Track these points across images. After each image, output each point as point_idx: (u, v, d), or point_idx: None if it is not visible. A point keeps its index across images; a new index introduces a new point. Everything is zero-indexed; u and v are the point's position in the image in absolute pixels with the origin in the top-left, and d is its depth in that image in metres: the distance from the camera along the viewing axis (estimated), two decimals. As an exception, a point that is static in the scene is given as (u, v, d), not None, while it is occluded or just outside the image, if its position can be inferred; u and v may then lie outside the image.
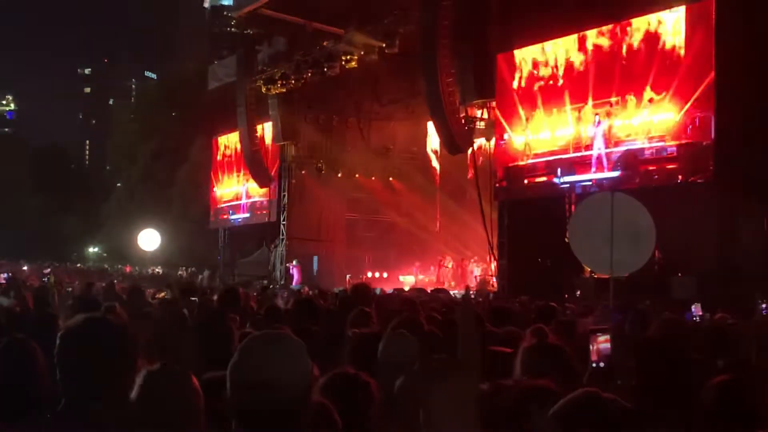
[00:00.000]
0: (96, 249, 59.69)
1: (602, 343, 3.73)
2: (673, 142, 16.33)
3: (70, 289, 15.10)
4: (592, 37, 18.37)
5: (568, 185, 18.67)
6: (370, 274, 28.18)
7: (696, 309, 7.79)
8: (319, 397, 2.66)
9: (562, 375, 2.73)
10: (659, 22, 17.05)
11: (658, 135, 16.67)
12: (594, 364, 3.66)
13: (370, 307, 6.10)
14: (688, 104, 15.99)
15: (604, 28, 18.08)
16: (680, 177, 16.23)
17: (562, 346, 3.19)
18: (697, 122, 15.85)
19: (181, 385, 2.55)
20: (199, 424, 2.51)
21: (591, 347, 3.70)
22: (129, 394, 2.39)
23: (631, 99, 17.22)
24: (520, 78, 19.89)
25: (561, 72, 19.00)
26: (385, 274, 28.26)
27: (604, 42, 18.13)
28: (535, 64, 19.65)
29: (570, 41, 18.88)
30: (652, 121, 16.80)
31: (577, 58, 18.62)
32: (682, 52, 16.39)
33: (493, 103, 20.72)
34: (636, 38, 17.42)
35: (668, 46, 16.70)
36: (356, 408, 2.87)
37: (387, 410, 2.89)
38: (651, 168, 16.85)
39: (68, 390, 2.36)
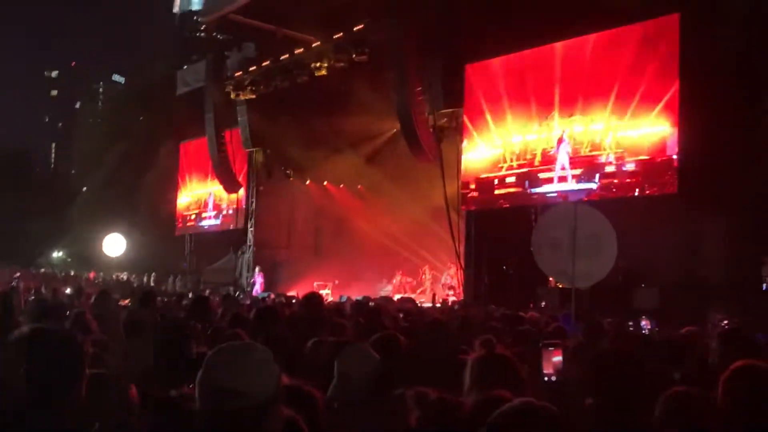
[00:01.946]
0: (61, 254, 58.98)
1: (555, 356, 3.76)
2: (631, 158, 16.67)
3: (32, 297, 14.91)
4: (559, 49, 18.59)
5: (536, 196, 18.85)
6: (336, 282, 28.13)
7: (645, 322, 7.84)
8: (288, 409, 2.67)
9: (512, 386, 2.75)
10: (623, 36, 17.31)
11: (620, 150, 17.01)
12: (546, 378, 3.68)
13: (321, 317, 6.11)
14: (648, 120, 16.37)
15: (571, 42, 18.32)
16: (637, 191, 16.74)
17: (510, 357, 3.22)
18: (656, 139, 16.35)
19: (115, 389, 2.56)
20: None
21: (543, 360, 3.73)
22: (75, 405, 2.36)
23: (595, 113, 17.55)
24: (489, 89, 20.05)
25: (528, 84, 19.19)
26: (352, 282, 28.21)
27: (571, 55, 18.35)
28: (504, 75, 19.83)
29: (537, 53, 19.08)
30: (614, 136, 17.12)
31: (544, 71, 18.82)
32: (644, 67, 16.70)
33: (462, 112, 20.83)
34: (600, 52, 17.68)
35: (630, 61, 17.01)
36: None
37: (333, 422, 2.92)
38: (612, 181, 17.15)
39: (6, 400, 2.33)
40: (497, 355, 3.23)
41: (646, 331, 7.57)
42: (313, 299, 8.12)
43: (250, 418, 2.24)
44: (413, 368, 4.49)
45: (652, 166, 16.42)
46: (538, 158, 18.80)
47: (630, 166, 16.84)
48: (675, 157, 16.07)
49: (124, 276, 39.51)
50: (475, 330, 6.62)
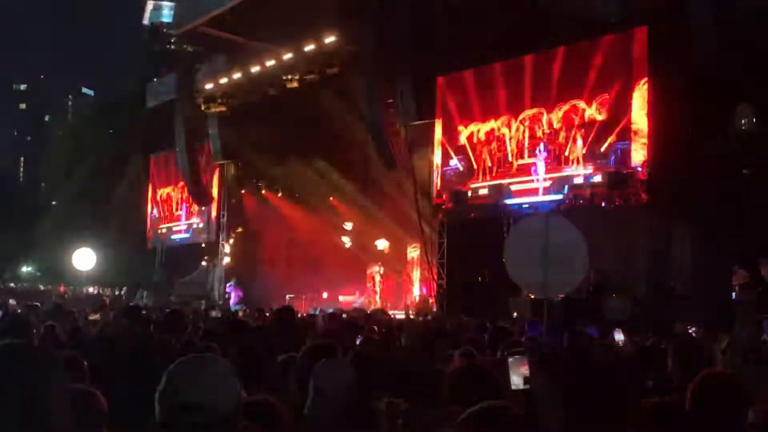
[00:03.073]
0: (29, 268, 58.31)
1: (522, 366, 3.77)
2: (598, 171, 17.06)
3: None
4: (530, 62, 18.77)
5: (510, 207, 18.98)
6: (309, 295, 28.06)
7: (618, 333, 7.86)
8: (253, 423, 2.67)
9: (489, 398, 2.76)
10: (592, 49, 17.53)
11: (587, 162, 17.33)
12: (514, 387, 3.70)
13: (293, 330, 6.11)
14: (615, 133, 16.63)
15: (541, 54, 18.51)
16: (604, 202, 17.14)
17: (487, 369, 3.23)
18: (619, 153, 16.80)
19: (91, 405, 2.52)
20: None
21: (510, 370, 3.74)
22: (46, 420, 2.31)
23: (564, 125, 17.84)
24: (461, 100, 20.18)
25: (500, 96, 19.35)
26: (324, 294, 28.15)
27: (541, 67, 18.54)
28: (475, 87, 19.97)
29: (508, 66, 19.25)
30: (582, 148, 17.39)
31: (515, 83, 19.00)
32: (612, 80, 16.99)
33: (434, 124, 20.91)
34: (569, 65, 17.90)
35: (599, 74, 17.28)
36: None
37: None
38: (580, 192, 17.43)
39: None
40: (475, 366, 3.23)
41: (621, 343, 7.60)
42: (285, 312, 8.12)
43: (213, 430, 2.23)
44: (389, 381, 4.50)
45: (617, 178, 16.71)
46: (513, 169, 18.95)
47: (597, 178, 17.12)
48: (639, 169, 16.37)
49: (94, 290, 39.16)
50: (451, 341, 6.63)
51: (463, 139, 19.99)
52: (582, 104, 17.52)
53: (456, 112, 20.25)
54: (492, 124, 19.39)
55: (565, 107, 17.89)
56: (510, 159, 19.01)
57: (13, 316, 8.89)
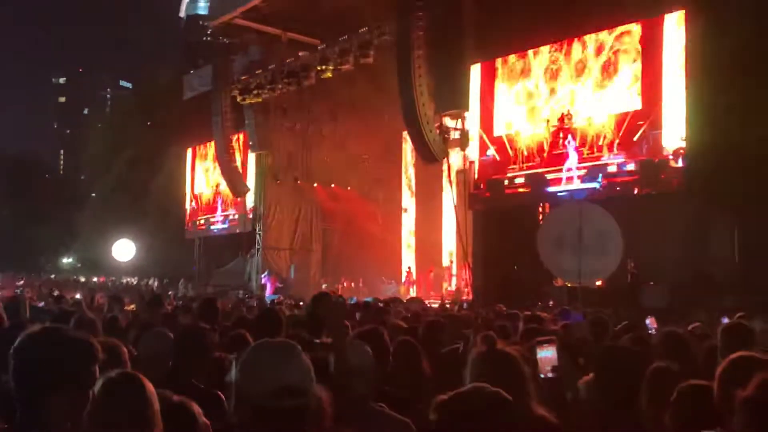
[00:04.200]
0: (70, 259, 59.10)
1: (548, 351, 3.75)
2: (631, 160, 16.99)
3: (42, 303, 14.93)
4: (565, 48, 18.65)
5: (546, 195, 18.91)
6: (345, 284, 28.18)
7: (651, 321, 7.81)
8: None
9: (513, 383, 2.76)
10: (629, 34, 17.37)
11: (621, 151, 17.26)
12: (542, 375, 3.68)
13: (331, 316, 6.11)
14: (647, 122, 16.52)
15: (577, 39, 18.38)
16: (636, 189, 17.02)
17: (511, 354, 3.22)
18: (651, 141, 16.73)
19: (137, 389, 2.56)
20: (154, 427, 2.52)
21: (538, 358, 3.72)
22: (86, 405, 2.37)
23: (599, 115, 17.75)
24: (495, 89, 20.08)
25: (535, 83, 19.23)
26: (360, 283, 28.25)
27: (577, 53, 18.40)
28: (510, 75, 19.86)
29: (543, 52, 19.12)
30: (617, 137, 17.30)
31: (550, 69, 18.87)
32: (648, 66, 16.86)
33: (467, 113, 20.85)
34: (606, 50, 17.75)
35: (634, 60, 17.15)
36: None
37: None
38: (614, 180, 17.38)
39: (23, 401, 2.33)
40: (498, 350, 3.22)
41: (653, 330, 7.53)
42: (322, 299, 8.13)
43: (309, 415, 2.32)
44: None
45: (650, 167, 16.63)
46: (547, 158, 18.85)
47: (630, 166, 17.02)
48: (671, 157, 16.23)
49: (133, 280, 39.60)
50: (477, 328, 6.63)
51: (499, 129, 19.91)
52: (618, 92, 17.38)
53: (490, 99, 20.16)
54: (528, 111, 19.29)
55: (601, 94, 17.75)
56: (545, 147, 18.90)
57: (48, 310, 9.01)
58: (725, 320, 7.36)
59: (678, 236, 16.52)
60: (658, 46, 16.78)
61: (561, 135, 18.55)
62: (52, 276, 46.25)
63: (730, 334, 4.79)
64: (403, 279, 27.64)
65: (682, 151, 16.07)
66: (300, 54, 24.88)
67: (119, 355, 4.12)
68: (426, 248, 27.36)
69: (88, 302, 14.42)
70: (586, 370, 4.24)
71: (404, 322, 7.68)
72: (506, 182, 19.72)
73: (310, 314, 6.61)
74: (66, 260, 59.23)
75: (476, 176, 20.44)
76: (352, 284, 28.23)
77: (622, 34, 17.56)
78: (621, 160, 17.27)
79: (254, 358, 2.39)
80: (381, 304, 11.46)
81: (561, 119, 18.54)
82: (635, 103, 17.07)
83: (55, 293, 18.25)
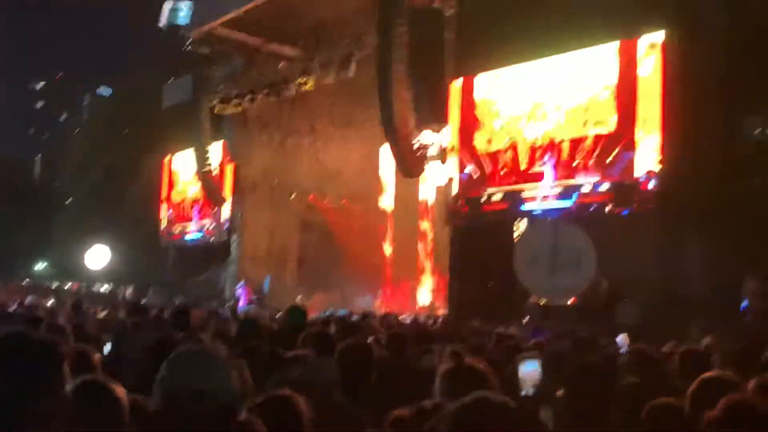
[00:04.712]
0: (44, 265, 58.56)
1: (531, 367, 3.77)
2: (605, 181, 17.23)
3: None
4: (543, 66, 18.78)
5: (522, 213, 19.00)
6: (321, 296, 28.08)
7: (623, 338, 7.87)
8: (249, 415, 2.70)
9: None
10: (605, 54, 17.55)
11: (595, 172, 17.42)
12: (523, 392, 3.69)
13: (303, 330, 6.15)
14: (622, 143, 16.70)
15: (554, 58, 18.52)
16: (608, 208, 17.13)
17: (481, 369, 3.23)
18: (625, 163, 16.87)
19: (109, 395, 2.55)
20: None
21: (519, 374, 3.74)
22: (53, 410, 2.34)
23: (574, 133, 17.90)
24: (475, 105, 20.17)
25: (514, 100, 19.34)
26: (336, 296, 28.17)
27: (554, 72, 18.55)
28: (489, 91, 19.95)
29: (522, 69, 19.24)
30: (591, 157, 17.45)
31: (528, 88, 19.00)
32: (625, 86, 17.04)
33: (447, 128, 20.92)
34: (582, 70, 17.92)
35: (611, 80, 17.32)
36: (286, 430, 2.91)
37: None
38: (587, 200, 17.57)
39: None
40: (466, 366, 3.24)
41: (623, 348, 7.58)
42: (295, 313, 8.14)
43: (217, 420, 2.28)
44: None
45: (623, 188, 16.86)
46: (524, 176, 18.94)
47: (604, 186, 17.18)
48: (642, 179, 16.46)
49: (106, 287, 39.29)
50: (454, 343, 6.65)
51: (477, 145, 19.98)
52: (593, 112, 17.53)
53: (470, 116, 20.24)
54: (506, 128, 19.39)
55: (576, 114, 17.90)
56: (522, 166, 19.00)
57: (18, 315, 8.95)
58: (707, 340, 7.44)
59: (650, 255, 16.64)
60: (634, 67, 16.94)
61: (538, 154, 18.66)
62: (25, 281, 45.78)
63: (685, 360, 4.84)
64: (379, 292, 27.61)
65: (654, 173, 16.23)
66: (281, 65, 24.89)
67: (90, 360, 4.11)
68: (402, 262, 27.35)
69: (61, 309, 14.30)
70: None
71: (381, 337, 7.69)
72: (484, 198, 19.79)
73: (283, 326, 6.63)
74: (40, 266, 58.68)
75: (455, 191, 20.49)
76: (327, 297, 28.14)
77: (598, 53, 17.71)
78: (595, 180, 17.43)
79: (170, 363, 2.42)
80: (355, 318, 11.47)
81: (540, 136, 18.66)
82: (610, 125, 17.21)
83: (27, 300, 18.08)
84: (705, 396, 3.02)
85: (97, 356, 4.19)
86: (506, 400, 2.36)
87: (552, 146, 18.38)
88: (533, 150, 18.78)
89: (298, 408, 3.06)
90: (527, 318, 16.55)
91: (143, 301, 25.02)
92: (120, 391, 2.60)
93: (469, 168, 20.12)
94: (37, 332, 2.62)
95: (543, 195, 18.36)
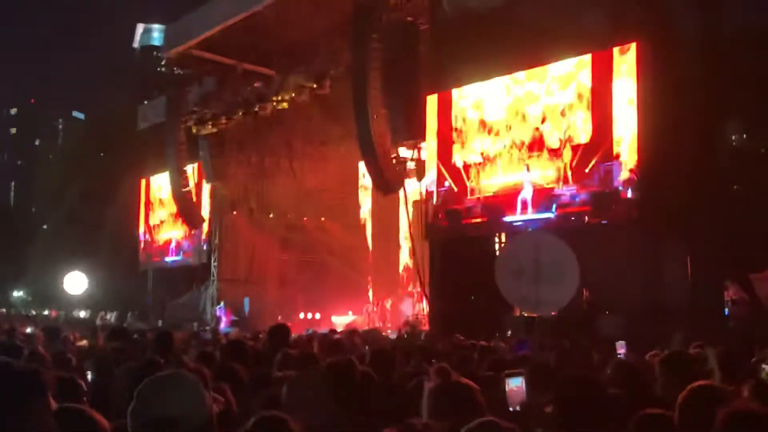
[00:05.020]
0: (21, 293, 57.97)
1: (516, 384, 3.71)
2: (583, 191, 17.29)
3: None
4: (519, 79, 18.82)
5: (502, 225, 18.99)
6: (302, 315, 27.96)
7: (621, 347, 7.86)
8: None
9: (470, 415, 2.71)
10: (580, 66, 17.60)
11: (574, 182, 17.52)
12: (510, 408, 3.63)
13: (288, 348, 6.06)
14: (599, 153, 16.78)
15: (530, 71, 18.57)
16: (587, 218, 17.20)
17: (468, 385, 3.17)
18: (602, 173, 16.93)
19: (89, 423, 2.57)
20: None
21: (505, 391, 3.68)
22: None
23: (552, 144, 17.92)
24: (451, 119, 20.17)
25: (490, 114, 19.36)
26: (317, 315, 28.05)
27: (530, 85, 18.59)
28: (466, 106, 19.97)
29: (498, 84, 19.27)
30: (569, 167, 17.50)
31: (505, 101, 19.03)
32: (600, 98, 17.10)
33: (423, 144, 20.92)
34: (558, 83, 17.96)
35: (586, 92, 17.38)
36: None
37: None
38: (568, 211, 17.55)
39: None
40: (454, 383, 3.18)
41: (621, 356, 7.58)
42: (279, 332, 8.04)
43: None
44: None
45: (601, 197, 16.92)
46: (504, 188, 18.95)
47: (582, 196, 17.22)
48: (621, 189, 16.53)
49: (85, 314, 38.91)
50: (439, 359, 6.57)
51: (455, 160, 19.96)
52: (571, 124, 17.58)
53: (446, 130, 20.22)
54: (482, 142, 19.40)
55: (553, 126, 17.93)
56: (501, 178, 19.01)
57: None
58: (693, 349, 7.40)
59: (631, 265, 16.66)
60: (608, 78, 17.00)
61: (516, 166, 18.68)
62: (2, 310, 45.25)
63: (669, 365, 4.79)
64: (362, 310, 27.51)
65: (632, 182, 16.27)
66: (255, 85, 24.83)
67: (76, 388, 4.04)
68: (383, 279, 27.31)
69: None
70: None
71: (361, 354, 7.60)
72: (463, 212, 19.76)
73: (267, 347, 6.54)
74: (16, 294, 58.07)
75: (434, 206, 20.46)
76: (309, 315, 28.01)
77: (573, 66, 17.78)
78: (573, 190, 17.47)
79: (140, 390, 2.45)
80: (337, 336, 11.37)
81: (518, 149, 18.69)
82: (587, 135, 17.27)
83: (6, 327, 17.82)
84: (694, 406, 2.97)
85: (81, 383, 4.11)
86: (512, 426, 2.32)
87: (530, 158, 18.40)
88: (511, 162, 18.79)
89: (290, 429, 3.02)
90: (509, 332, 16.50)
91: (124, 324, 24.82)
92: (101, 419, 2.62)
93: (448, 182, 20.10)
94: (18, 362, 2.63)
95: (522, 207, 18.37)
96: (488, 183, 19.28)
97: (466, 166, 19.73)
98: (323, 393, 3.45)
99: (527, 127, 18.53)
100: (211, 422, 2.44)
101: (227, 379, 4.80)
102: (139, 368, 4.57)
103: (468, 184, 19.66)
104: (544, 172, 18.11)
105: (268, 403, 3.71)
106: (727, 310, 14.43)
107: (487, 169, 19.32)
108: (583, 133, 17.36)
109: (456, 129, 20.07)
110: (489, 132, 19.41)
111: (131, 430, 2.36)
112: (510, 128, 18.93)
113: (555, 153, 17.89)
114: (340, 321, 26.07)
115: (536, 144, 18.32)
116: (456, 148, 20.00)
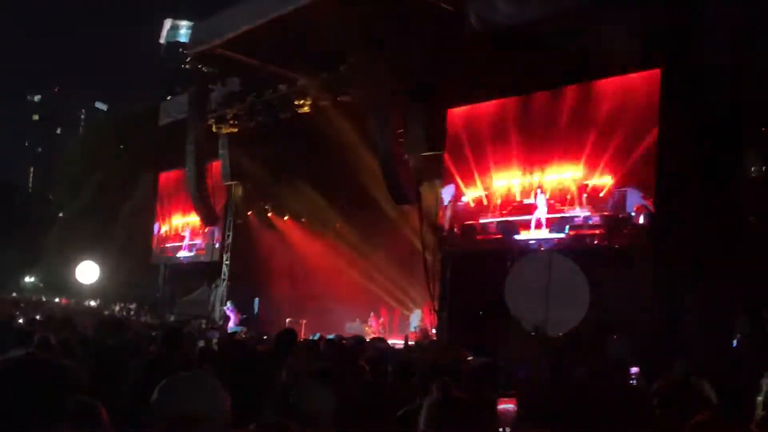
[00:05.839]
0: (32, 279, 58.26)
1: (509, 408, 3.74)
2: (596, 213, 17.39)
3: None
4: (540, 99, 18.83)
5: (516, 243, 18.98)
6: (311, 319, 27.96)
7: (634, 371, 7.89)
8: None
9: (469, 430, 2.75)
10: (602, 89, 17.59)
11: (587, 205, 17.59)
12: (500, 430, 3.66)
13: (292, 352, 6.10)
14: (614, 179, 16.95)
15: (552, 92, 18.56)
16: (596, 241, 17.33)
17: (468, 400, 3.20)
18: (617, 197, 17.00)
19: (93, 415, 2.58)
20: None
21: (499, 411, 3.71)
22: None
23: (569, 167, 17.92)
24: (471, 134, 20.19)
25: (510, 131, 19.37)
26: (325, 320, 28.04)
27: (551, 105, 18.58)
28: (487, 122, 19.98)
29: (518, 102, 19.29)
30: (584, 191, 17.49)
31: (525, 120, 19.04)
32: (620, 123, 17.09)
33: (443, 156, 20.93)
34: (579, 105, 17.97)
35: (606, 117, 17.36)
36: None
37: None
38: (580, 233, 17.71)
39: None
40: (453, 398, 3.20)
41: (634, 380, 7.60)
42: (286, 337, 8.09)
43: None
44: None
45: (613, 221, 16.98)
46: (518, 207, 18.96)
47: (596, 220, 17.23)
48: (633, 214, 16.54)
49: (95, 303, 39.10)
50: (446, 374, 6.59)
51: (473, 173, 19.97)
52: (588, 146, 17.56)
53: (466, 145, 20.22)
54: (502, 159, 19.41)
55: (572, 148, 17.93)
56: (516, 198, 19.03)
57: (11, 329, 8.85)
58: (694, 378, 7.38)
59: (643, 290, 16.62)
60: (628, 104, 16.96)
61: (531, 187, 18.69)
62: (14, 295, 45.51)
63: (665, 395, 4.79)
64: (369, 319, 27.50)
65: (646, 208, 16.24)
66: (278, 87, 24.93)
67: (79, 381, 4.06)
68: (393, 289, 27.27)
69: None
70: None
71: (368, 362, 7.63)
72: (478, 228, 19.78)
73: (273, 349, 6.58)
74: (28, 280, 58.38)
75: (449, 220, 20.46)
76: (317, 320, 28.00)
77: (591, 89, 17.77)
78: (587, 213, 17.48)
79: (163, 388, 2.47)
80: (344, 342, 11.38)
81: (531, 172, 18.72)
82: (602, 160, 17.23)
83: (16, 313, 18.00)
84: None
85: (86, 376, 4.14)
86: None
87: (544, 181, 18.40)
88: (528, 180, 18.79)
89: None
90: (515, 349, 16.48)
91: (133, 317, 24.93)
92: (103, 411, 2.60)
93: (465, 197, 20.11)
94: (51, 357, 2.51)
95: (536, 225, 18.38)
96: (504, 200, 19.28)
97: (485, 185, 19.70)
98: (332, 402, 3.48)
99: (546, 145, 18.53)
100: (228, 426, 2.46)
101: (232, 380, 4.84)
102: (150, 363, 4.62)
103: (485, 201, 19.62)
104: (558, 194, 18.12)
105: (275, 409, 3.73)
106: (735, 341, 14.37)
107: (504, 186, 19.33)
108: (604, 154, 17.29)
109: (475, 143, 20.08)
110: (507, 146, 19.41)
111: (147, 420, 2.40)
112: (526, 148, 18.94)
113: (570, 175, 17.90)
114: (352, 328, 26.06)
115: (551, 165, 18.30)
116: (474, 161, 20.00)
